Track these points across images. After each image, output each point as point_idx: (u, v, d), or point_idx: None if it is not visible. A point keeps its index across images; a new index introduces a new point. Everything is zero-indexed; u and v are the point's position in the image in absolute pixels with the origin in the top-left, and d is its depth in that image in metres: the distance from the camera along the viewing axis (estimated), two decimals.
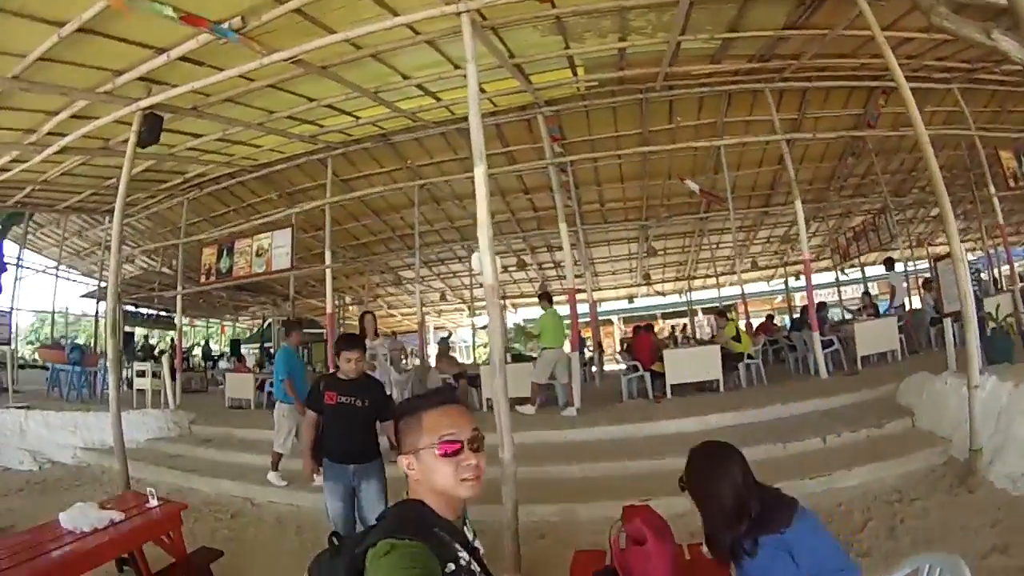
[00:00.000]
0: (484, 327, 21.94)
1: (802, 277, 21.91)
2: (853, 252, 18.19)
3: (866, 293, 15.96)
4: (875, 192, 17.30)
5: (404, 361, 7.46)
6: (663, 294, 26.79)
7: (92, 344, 20.47)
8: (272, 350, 22.08)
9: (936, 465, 6.59)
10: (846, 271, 21.31)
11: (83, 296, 23.21)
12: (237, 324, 32.19)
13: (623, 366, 14.33)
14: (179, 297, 15.48)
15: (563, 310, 11.61)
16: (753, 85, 11.89)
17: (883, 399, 8.69)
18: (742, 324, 15.80)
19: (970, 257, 18.49)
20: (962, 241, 21.35)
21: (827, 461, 6.97)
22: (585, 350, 16.24)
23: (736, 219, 15.62)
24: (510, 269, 22.67)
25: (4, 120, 9.55)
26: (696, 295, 26.13)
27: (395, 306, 27.41)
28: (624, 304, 28.24)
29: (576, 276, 13.35)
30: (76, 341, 20.90)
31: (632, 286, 26.21)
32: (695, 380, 11.67)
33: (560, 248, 18.20)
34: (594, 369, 16.75)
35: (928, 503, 5.85)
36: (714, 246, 21.72)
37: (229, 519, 7.80)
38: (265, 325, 27.87)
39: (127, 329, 23.61)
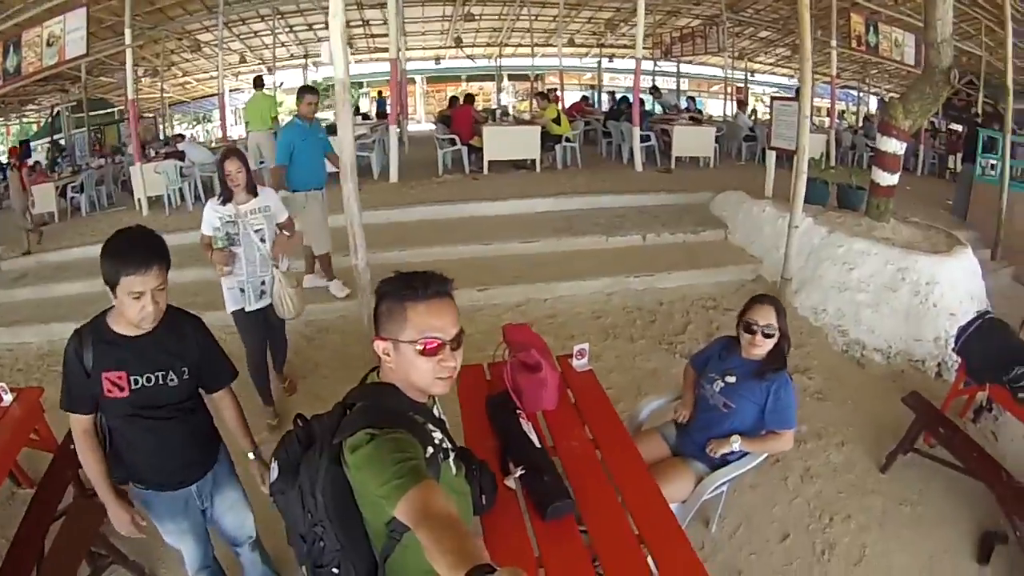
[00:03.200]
0: (280, 85, 20.55)
1: (615, 60, 23.17)
2: (676, 52, 18.56)
3: (691, 98, 16.65)
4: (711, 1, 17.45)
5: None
6: (472, 58, 25.91)
7: None
8: (63, 142, 19.13)
9: (747, 281, 7.37)
10: (659, 64, 21.85)
11: None
12: (24, 120, 27.10)
13: (433, 130, 13.95)
14: None
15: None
16: None
17: (698, 206, 9.33)
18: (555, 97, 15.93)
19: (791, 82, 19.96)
20: (778, 65, 22.71)
21: (649, 261, 7.58)
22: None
23: None
24: (315, 27, 20.73)
25: None
26: (506, 61, 25.50)
27: (191, 72, 24.49)
28: (430, 64, 27.00)
29: (383, 35, 12.39)
30: None
31: (441, 48, 25.09)
32: (513, 158, 11.79)
33: (371, 7, 17.38)
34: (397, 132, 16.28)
35: None
36: (534, 17, 21.03)
37: None
38: (54, 115, 23.71)
39: None
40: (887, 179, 7.10)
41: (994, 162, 9.67)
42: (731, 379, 3.40)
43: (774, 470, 4.40)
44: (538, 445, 2.86)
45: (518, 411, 3.08)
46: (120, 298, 2.37)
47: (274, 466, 2.01)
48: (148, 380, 2.53)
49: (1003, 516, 3.79)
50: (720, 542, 3.85)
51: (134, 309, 2.38)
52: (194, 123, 26.48)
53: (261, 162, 10.59)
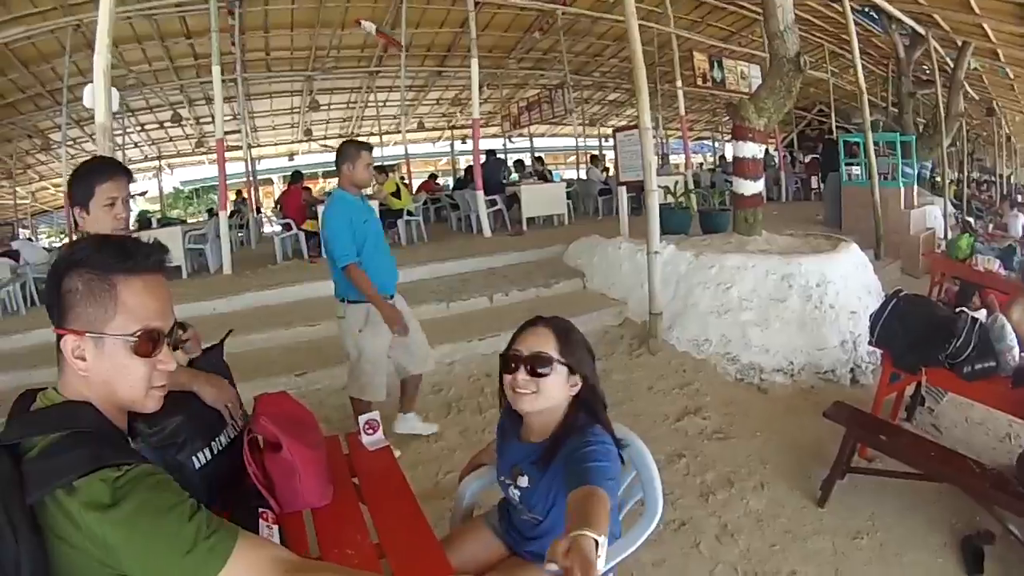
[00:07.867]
0: (144, 193, 19.62)
1: (468, 141, 22.76)
2: (524, 121, 18.96)
3: (539, 159, 16.65)
4: (555, 68, 18.04)
5: None
6: (330, 148, 25.62)
7: None
8: None
9: (612, 326, 6.65)
10: (513, 139, 22.24)
11: None
12: None
13: (277, 227, 13.13)
14: None
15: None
16: None
17: (551, 260, 8.73)
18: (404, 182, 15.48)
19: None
20: (632, 126, 23.49)
21: (496, 321, 6.64)
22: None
23: (408, 77, 15.40)
24: (166, 125, 20.16)
25: None
26: None
27: (47, 176, 22.78)
28: (284, 162, 26.51)
29: (234, 132, 11.59)
30: None
31: (293, 142, 24.82)
32: None
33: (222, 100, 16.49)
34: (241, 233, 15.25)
35: (610, 364, 5.68)
36: (381, 104, 20.97)
37: None
38: None
39: None
40: (751, 187, 6.60)
41: (856, 169, 9.93)
42: (523, 480, 2.08)
43: (679, 536, 3.49)
44: None
45: (261, 510, 1.95)
46: (93, 213, 2.35)
47: None
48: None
49: (983, 513, 3.32)
50: None
51: (108, 217, 2.36)
52: (61, 235, 24.51)
53: None
